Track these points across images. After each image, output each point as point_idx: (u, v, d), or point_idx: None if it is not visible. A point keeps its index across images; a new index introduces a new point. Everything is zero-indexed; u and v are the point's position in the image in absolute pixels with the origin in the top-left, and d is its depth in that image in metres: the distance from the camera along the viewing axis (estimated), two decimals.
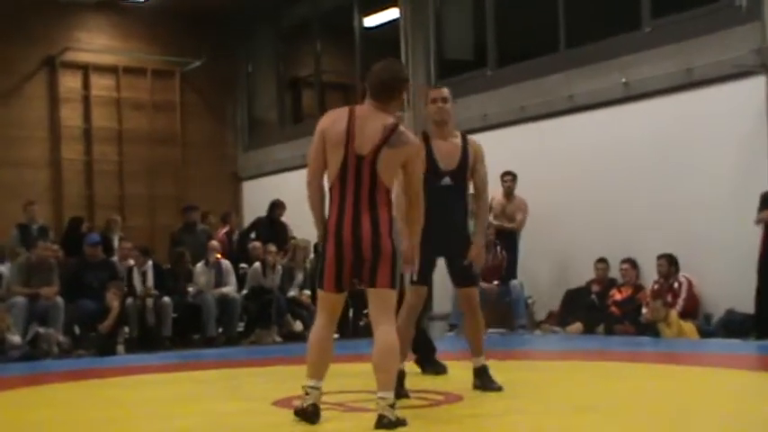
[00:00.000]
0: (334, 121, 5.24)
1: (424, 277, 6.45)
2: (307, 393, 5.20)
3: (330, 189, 5.28)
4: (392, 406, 5.01)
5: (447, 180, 6.30)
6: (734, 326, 11.51)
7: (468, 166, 6.39)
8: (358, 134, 5.13)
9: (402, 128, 5.21)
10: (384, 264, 5.09)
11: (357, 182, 5.14)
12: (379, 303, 5.18)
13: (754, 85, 11.72)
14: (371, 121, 5.16)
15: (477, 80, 15.38)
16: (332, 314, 5.33)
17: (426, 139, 6.34)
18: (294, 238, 15.43)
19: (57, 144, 18.32)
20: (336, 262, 5.15)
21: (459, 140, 6.44)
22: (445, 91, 6.41)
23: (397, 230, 5.20)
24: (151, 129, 19.22)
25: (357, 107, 5.28)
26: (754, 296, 11.12)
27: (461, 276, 6.60)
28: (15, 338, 11.59)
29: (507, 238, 13.74)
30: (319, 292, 5.33)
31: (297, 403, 5.34)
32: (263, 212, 16.07)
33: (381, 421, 4.97)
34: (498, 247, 13.50)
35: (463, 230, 6.61)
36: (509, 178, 13.78)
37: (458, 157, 6.36)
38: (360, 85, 18.02)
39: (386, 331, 5.12)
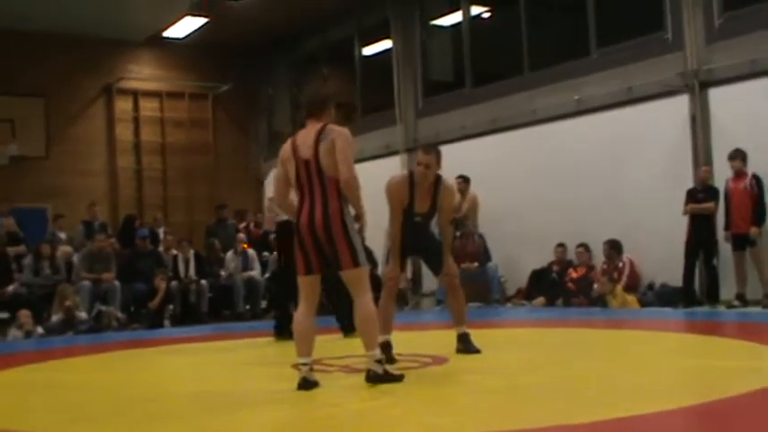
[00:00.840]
0: (283, 148, 5.31)
1: (401, 265, 6.54)
2: (299, 369, 5.14)
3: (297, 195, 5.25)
4: (379, 362, 5.03)
5: (419, 218, 6.55)
6: (666, 297, 11.57)
7: (436, 209, 6.56)
8: (300, 146, 5.17)
9: (330, 126, 5.22)
10: (341, 245, 5.05)
11: (309, 181, 5.13)
12: (352, 281, 5.13)
13: (679, 101, 11.80)
14: (307, 132, 5.22)
15: (457, 98, 15.40)
16: (309, 299, 5.19)
17: (411, 182, 6.55)
18: None
19: (113, 156, 18.40)
20: (301, 248, 5.12)
21: (433, 189, 6.52)
22: (431, 158, 6.42)
23: (348, 214, 5.16)
24: (188, 142, 19.25)
25: (298, 133, 5.29)
26: (681, 273, 11.17)
27: (437, 267, 6.68)
28: (82, 315, 11.65)
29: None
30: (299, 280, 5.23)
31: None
32: None
33: (368, 374, 5.04)
34: (476, 236, 13.52)
35: (432, 240, 6.77)
36: (460, 180, 13.79)
37: (428, 204, 6.46)
38: (359, 104, 18.11)
39: (362, 303, 5.08)
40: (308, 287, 5.18)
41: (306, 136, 5.20)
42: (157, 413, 4.57)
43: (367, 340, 5.05)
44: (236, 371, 6.40)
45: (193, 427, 4.05)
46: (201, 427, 4.01)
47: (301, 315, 5.16)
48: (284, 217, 7.95)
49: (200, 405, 4.73)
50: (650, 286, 12.07)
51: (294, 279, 5.21)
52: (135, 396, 5.21)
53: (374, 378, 4.97)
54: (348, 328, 8.29)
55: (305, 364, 5.10)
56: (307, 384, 5.03)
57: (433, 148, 6.46)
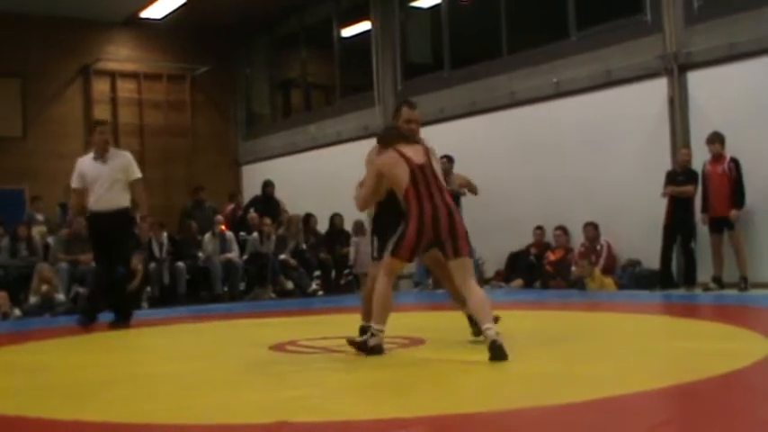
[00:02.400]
0: (386, 156, 5.72)
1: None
2: (373, 335, 5.44)
3: (405, 193, 5.54)
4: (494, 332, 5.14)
5: None
6: (643, 280, 11.64)
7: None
8: (411, 156, 5.61)
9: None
10: (461, 237, 5.48)
11: (426, 182, 5.56)
12: (464, 267, 5.51)
13: (658, 84, 11.82)
14: (411, 147, 5.71)
15: (436, 80, 15.36)
16: (394, 277, 5.66)
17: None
18: (286, 212, 15.43)
19: (90, 137, 18.22)
20: (417, 239, 5.43)
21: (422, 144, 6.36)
22: (419, 115, 6.22)
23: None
24: (167, 124, 19.14)
25: (398, 147, 5.70)
26: (659, 256, 11.23)
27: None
28: (60, 297, 11.58)
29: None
30: (390, 260, 5.52)
31: (370, 341, 5.49)
32: (259, 192, 16.06)
33: (495, 345, 5.01)
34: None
35: None
36: (444, 160, 13.77)
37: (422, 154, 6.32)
38: (338, 85, 18.04)
39: (474, 286, 5.45)
40: (401, 269, 5.75)
41: (412, 149, 5.65)
42: (135, 394, 4.55)
43: (483, 317, 5.21)
44: (214, 351, 6.37)
45: (170, 406, 4.03)
46: (178, 407, 3.98)
47: (388, 286, 5.52)
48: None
49: (178, 385, 4.71)
50: (629, 265, 12.09)
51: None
52: (113, 377, 5.18)
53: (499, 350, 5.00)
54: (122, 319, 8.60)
55: (381, 331, 5.47)
56: (380, 350, 5.44)
57: (416, 105, 6.31)
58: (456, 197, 13.71)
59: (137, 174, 8.87)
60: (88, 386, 4.88)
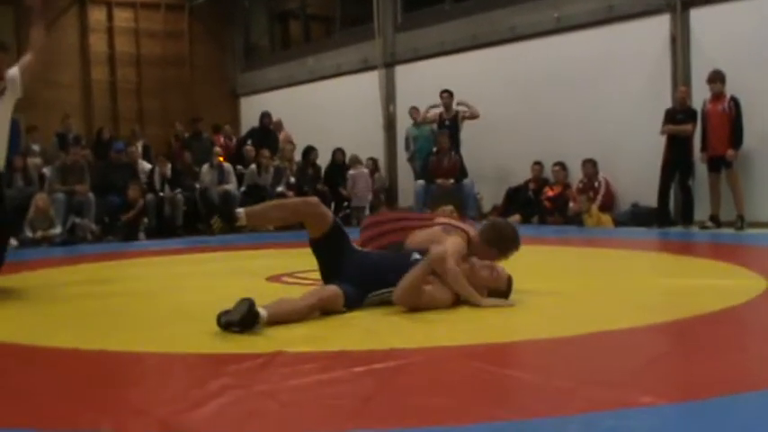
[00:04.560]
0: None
1: None
2: None
3: None
4: None
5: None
6: (641, 217, 11.65)
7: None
8: None
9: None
10: None
11: None
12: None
13: (660, 21, 11.69)
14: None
15: (437, 13, 15.19)
16: None
17: None
18: (290, 143, 15.37)
19: (87, 67, 18.13)
20: None
21: None
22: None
23: None
24: (164, 54, 18.98)
25: None
26: (656, 193, 11.23)
27: None
28: (56, 230, 11.53)
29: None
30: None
31: None
32: (257, 123, 15.98)
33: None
34: (453, 152, 13.47)
35: None
36: (446, 95, 13.72)
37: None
38: (338, 17, 17.84)
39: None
40: None
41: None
42: (128, 323, 4.56)
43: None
44: (209, 283, 6.39)
45: (163, 336, 4.04)
46: (171, 337, 4.00)
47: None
48: None
49: (171, 315, 4.72)
50: (636, 203, 12.09)
51: None
52: (109, 307, 5.19)
53: None
54: None
55: None
56: None
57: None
58: (453, 125, 13.71)
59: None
60: (83, 317, 4.89)
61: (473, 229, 5.28)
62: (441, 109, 13.85)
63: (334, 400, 2.79)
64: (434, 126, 14.07)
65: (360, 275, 4.67)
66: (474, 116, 13.54)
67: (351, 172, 14.73)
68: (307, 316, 4.31)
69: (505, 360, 3.54)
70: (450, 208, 5.97)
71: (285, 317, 4.20)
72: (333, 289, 4.50)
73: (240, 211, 4.81)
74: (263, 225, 5.19)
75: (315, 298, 4.39)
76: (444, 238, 5.02)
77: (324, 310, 4.42)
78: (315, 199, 4.99)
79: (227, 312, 4.00)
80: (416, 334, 3.99)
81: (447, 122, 13.74)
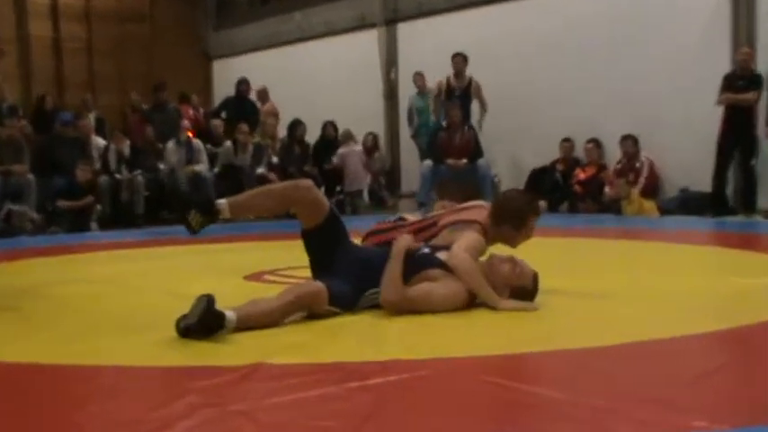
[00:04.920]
0: None
1: None
2: None
3: None
4: None
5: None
6: (692, 204, 11.64)
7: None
8: None
9: None
10: None
11: None
12: None
13: None
14: None
15: None
16: None
17: None
18: (273, 114, 15.36)
19: (23, 21, 17.99)
20: None
21: None
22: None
23: None
24: (119, 7, 18.93)
25: None
26: (711, 176, 11.21)
27: None
28: None
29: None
30: None
31: None
32: (232, 92, 15.97)
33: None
34: (466, 127, 13.46)
35: None
36: (459, 59, 13.70)
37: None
38: None
39: None
40: None
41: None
42: (78, 331, 4.53)
43: None
44: (176, 282, 6.37)
45: (125, 347, 4.03)
46: (135, 347, 3.99)
47: None
48: None
49: (131, 322, 4.70)
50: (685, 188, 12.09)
51: None
52: (52, 312, 5.17)
53: None
54: None
55: None
56: None
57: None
58: (465, 96, 13.70)
59: None
60: (24, 324, 4.88)
61: (485, 212, 5.27)
62: (443, 78, 13.85)
63: (325, 421, 2.77)
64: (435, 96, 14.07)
65: (355, 270, 4.67)
66: (483, 107, 13.61)
67: (341, 150, 14.73)
68: (284, 318, 4.32)
69: (529, 374, 3.54)
70: (443, 203, 5.95)
71: (259, 320, 4.20)
72: (314, 285, 4.50)
73: (222, 202, 4.80)
74: (248, 216, 5.15)
75: (293, 294, 4.39)
76: (457, 238, 5.02)
77: (306, 310, 4.42)
78: (308, 182, 4.96)
79: (185, 316, 3.99)
80: (422, 342, 3.99)
81: (457, 93, 13.73)
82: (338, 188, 14.79)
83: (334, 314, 4.47)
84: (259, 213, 5.03)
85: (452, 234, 5.13)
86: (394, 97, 16.32)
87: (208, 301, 3.94)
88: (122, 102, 18.07)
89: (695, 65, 11.87)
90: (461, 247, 4.79)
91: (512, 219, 5.12)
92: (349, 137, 14.95)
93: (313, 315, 4.42)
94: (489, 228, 5.14)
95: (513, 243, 5.18)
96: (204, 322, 3.91)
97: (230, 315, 4.04)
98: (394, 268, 4.57)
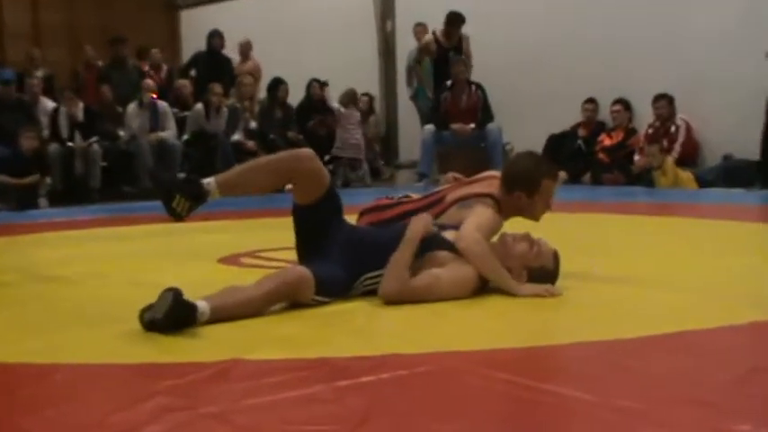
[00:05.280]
0: None
1: None
2: None
3: None
4: None
5: None
6: (737, 174, 11.64)
7: None
8: None
9: None
10: None
11: None
12: None
13: None
14: None
15: None
16: None
17: None
18: (252, 75, 15.32)
19: None
20: None
21: None
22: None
23: None
24: None
25: None
26: (759, 140, 11.21)
27: None
28: None
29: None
30: None
31: None
32: (203, 46, 15.93)
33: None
34: (473, 86, 13.45)
35: None
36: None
37: None
38: None
39: None
40: None
41: None
42: (29, 324, 4.53)
43: None
44: (140, 267, 6.38)
45: (85, 341, 4.04)
46: (96, 342, 3.99)
47: None
48: None
49: (90, 313, 4.71)
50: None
51: None
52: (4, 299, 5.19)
53: None
54: None
55: None
56: None
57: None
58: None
59: None
60: None
61: (496, 183, 5.25)
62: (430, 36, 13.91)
63: (309, 426, 2.77)
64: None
65: (350, 253, 4.66)
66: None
67: (342, 110, 14.63)
68: (264, 308, 4.31)
69: (547, 370, 3.54)
70: (453, 174, 5.92)
71: (235, 311, 4.20)
72: (298, 270, 4.48)
73: (209, 181, 4.75)
74: (238, 194, 5.02)
75: (273, 282, 4.37)
76: (467, 215, 5.00)
77: (289, 299, 4.43)
78: (309, 151, 4.87)
79: (151, 306, 4.00)
80: (423, 334, 4.00)
81: (450, 54, 13.75)
82: (327, 157, 14.81)
83: (322, 303, 4.48)
84: (254, 191, 4.91)
85: (461, 211, 5.10)
86: (390, 53, 16.29)
87: (174, 294, 3.93)
88: (74, 58, 17.97)
89: (739, 10, 11.87)
90: (471, 226, 4.78)
91: (523, 183, 5.07)
92: (352, 99, 14.83)
93: (294, 303, 4.42)
94: (503, 200, 5.12)
95: (532, 214, 5.15)
96: (172, 317, 3.91)
97: (202, 306, 4.04)
98: (404, 256, 4.55)
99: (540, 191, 5.07)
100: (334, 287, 4.55)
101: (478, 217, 4.91)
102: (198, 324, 4.00)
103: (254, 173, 4.96)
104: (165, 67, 16.48)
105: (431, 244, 4.68)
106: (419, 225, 4.65)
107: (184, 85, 14.84)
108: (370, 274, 4.64)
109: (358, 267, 4.64)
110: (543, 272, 4.73)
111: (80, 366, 3.64)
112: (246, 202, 10.47)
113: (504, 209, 5.11)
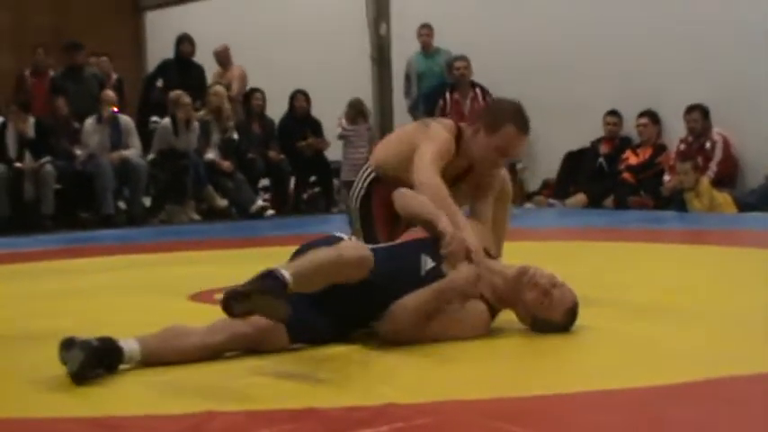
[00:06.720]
0: None
1: None
2: None
3: None
4: None
5: None
6: None
7: None
8: None
9: None
10: None
11: None
12: None
13: None
14: None
15: None
16: None
17: None
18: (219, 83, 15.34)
19: None
20: None
21: None
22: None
23: None
24: None
25: None
26: None
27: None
28: None
29: None
30: None
31: None
32: (171, 53, 15.96)
33: None
34: (477, 88, 13.48)
35: None
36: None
37: None
38: None
39: None
40: None
41: None
42: None
43: None
44: (101, 305, 6.38)
45: (22, 390, 4.05)
46: (57, 392, 4.00)
47: None
48: None
49: (47, 356, 4.72)
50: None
51: None
52: None
53: None
54: None
55: None
56: None
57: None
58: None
59: None
60: None
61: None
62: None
63: None
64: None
65: (343, 295, 4.51)
66: None
67: (349, 127, 14.61)
68: (212, 358, 4.28)
69: (560, 422, 3.54)
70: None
71: (173, 356, 4.20)
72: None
73: (286, 275, 4.31)
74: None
75: (232, 330, 4.30)
76: (424, 137, 5.26)
77: (255, 347, 4.38)
78: (369, 256, 4.55)
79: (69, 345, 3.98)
80: (424, 381, 4.02)
81: None
82: (313, 178, 14.81)
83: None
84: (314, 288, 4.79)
85: (416, 132, 5.49)
86: (385, 60, 16.32)
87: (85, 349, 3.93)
88: (22, 65, 17.96)
89: None
90: (425, 154, 5.03)
91: (488, 117, 5.36)
92: (360, 111, 14.81)
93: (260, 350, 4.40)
94: (465, 131, 5.38)
95: (483, 158, 5.26)
96: (92, 363, 3.92)
97: (131, 349, 4.06)
98: (428, 303, 4.51)
99: (499, 133, 5.19)
100: (313, 332, 4.53)
101: (433, 140, 5.22)
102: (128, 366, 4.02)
103: (320, 277, 4.49)
104: (114, 76, 16.41)
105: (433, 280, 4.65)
106: (461, 278, 4.59)
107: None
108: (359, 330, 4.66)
109: (348, 312, 4.60)
110: (550, 325, 4.68)
111: (20, 421, 3.63)
112: (215, 230, 10.51)
113: (463, 145, 5.32)
